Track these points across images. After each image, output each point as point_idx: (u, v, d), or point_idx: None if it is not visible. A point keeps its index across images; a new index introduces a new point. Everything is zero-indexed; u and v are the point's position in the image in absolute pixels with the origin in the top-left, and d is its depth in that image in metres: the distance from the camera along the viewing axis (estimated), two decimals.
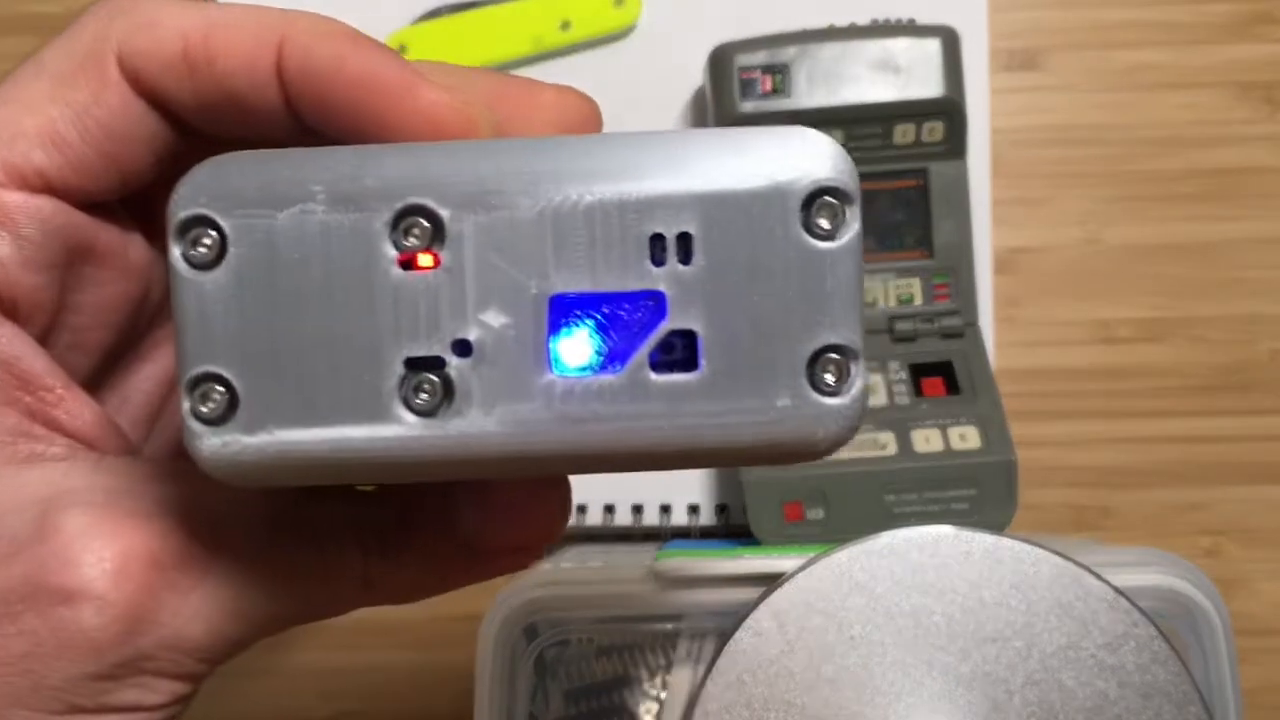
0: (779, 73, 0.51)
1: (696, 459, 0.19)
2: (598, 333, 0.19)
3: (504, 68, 0.55)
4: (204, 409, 0.18)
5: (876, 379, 0.50)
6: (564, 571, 0.43)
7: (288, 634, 0.54)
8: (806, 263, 0.18)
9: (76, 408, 0.22)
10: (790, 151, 0.18)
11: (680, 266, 0.18)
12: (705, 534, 0.54)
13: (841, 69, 0.50)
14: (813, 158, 0.18)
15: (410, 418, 0.18)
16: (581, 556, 0.48)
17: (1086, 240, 0.55)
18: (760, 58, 0.51)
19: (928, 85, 0.50)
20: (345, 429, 0.18)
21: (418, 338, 0.18)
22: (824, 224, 0.18)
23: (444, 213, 0.18)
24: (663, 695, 0.43)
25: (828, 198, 0.18)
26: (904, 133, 0.51)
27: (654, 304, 0.18)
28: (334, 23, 0.21)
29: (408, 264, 0.18)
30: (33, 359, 0.21)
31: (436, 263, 0.18)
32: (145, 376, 0.26)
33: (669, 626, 0.43)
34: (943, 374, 0.50)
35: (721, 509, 0.54)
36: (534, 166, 0.18)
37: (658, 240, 0.18)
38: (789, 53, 0.51)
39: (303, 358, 0.18)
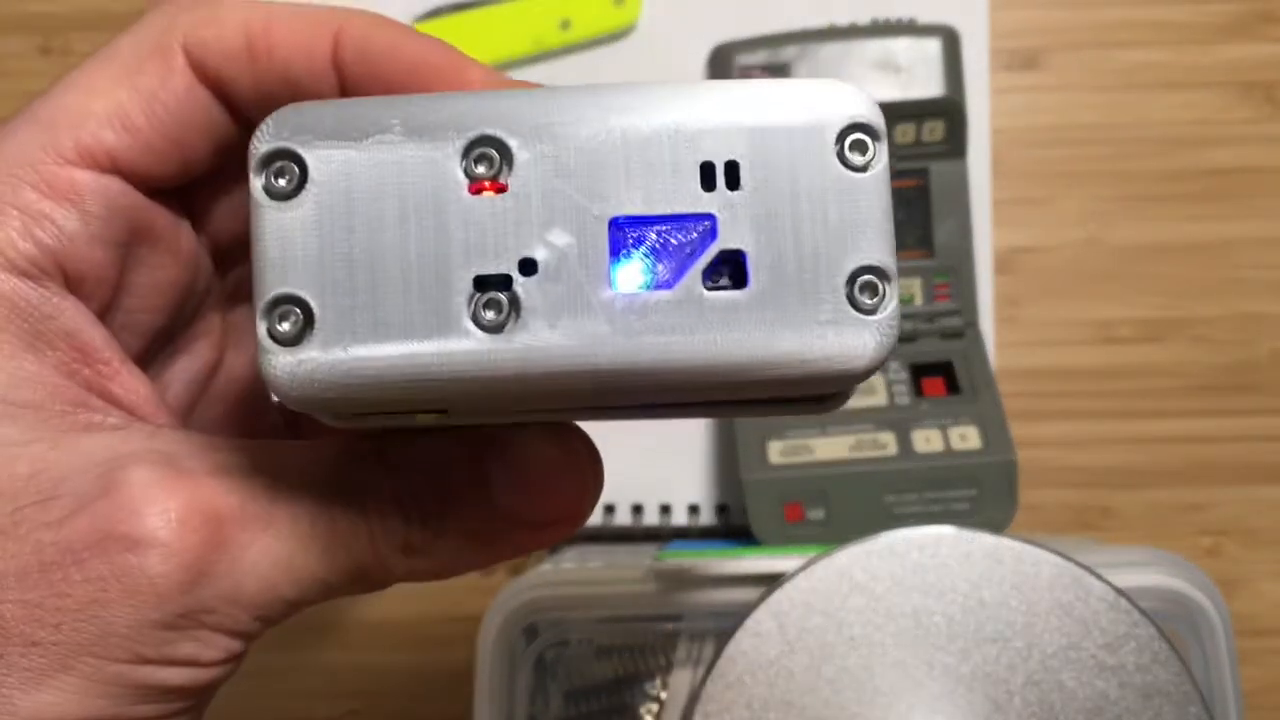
0: (779, 72, 0.51)
1: (744, 378, 0.20)
2: (654, 253, 0.20)
3: (504, 68, 0.55)
4: (280, 329, 0.19)
5: (877, 378, 0.50)
6: (564, 571, 0.43)
7: (288, 633, 0.54)
8: (842, 190, 0.20)
9: (131, 383, 0.23)
10: (827, 95, 0.20)
11: (729, 192, 0.20)
12: (705, 534, 0.54)
13: (842, 68, 0.50)
14: (846, 100, 0.20)
15: (479, 333, 0.19)
16: (581, 556, 0.48)
17: (1087, 240, 0.55)
18: (760, 57, 0.51)
19: (928, 85, 0.50)
20: (417, 345, 0.19)
21: (486, 257, 0.19)
22: (857, 157, 0.20)
23: (512, 142, 0.19)
24: (663, 696, 0.43)
25: (860, 133, 0.20)
26: (904, 132, 0.51)
27: (706, 226, 0.20)
28: (382, 15, 0.23)
29: (478, 189, 0.19)
30: (93, 333, 0.22)
31: (505, 188, 0.19)
32: (183, 368, 0.27)
33: (669, 627, 0.43)
34: (943, 374, 0.50)
35: (721, 509, 0.54)
36: (596, 104, 0.20)
37: (708, 168, 0.20)
38: (789, 52, 0.51)
39: (377, 279, 0.19)
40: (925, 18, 0.53)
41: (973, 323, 0.52)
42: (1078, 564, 0.37)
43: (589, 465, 0.24)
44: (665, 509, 0.53)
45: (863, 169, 0.20)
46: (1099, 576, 0.37)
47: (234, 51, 0.22)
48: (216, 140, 0.23)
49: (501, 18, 0.55)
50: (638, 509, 0.53)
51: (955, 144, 0.51)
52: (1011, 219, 0.55)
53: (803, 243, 0.20)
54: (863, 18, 0.53)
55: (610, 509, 0.53)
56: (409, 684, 0.54)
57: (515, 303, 0.19)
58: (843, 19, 0.53)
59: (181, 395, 0.27)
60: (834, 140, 0.20)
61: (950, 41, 0.51)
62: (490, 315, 0.19)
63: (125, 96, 0.22)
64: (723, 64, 0.51)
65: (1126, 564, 0.40)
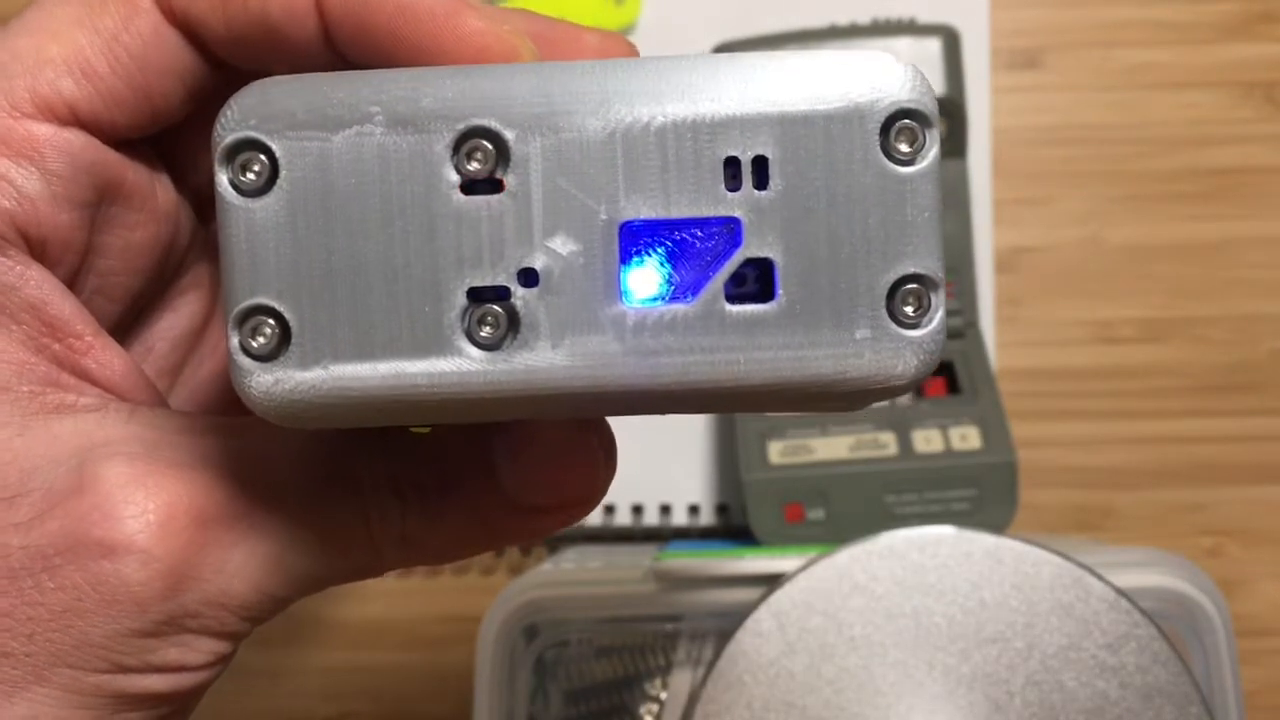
0: None
1: (770, 397, 0.18)
2: (670, 261, 0.18)
3: None
4: (254, 344, 0.17)
5: None
6: (564, 571, 0.43)
7: (288, 633, 0.54)
8: (886, 188, 0.17)
9: (106, 357, 0.21)
10: (869, 73, 0.18)
11: (756, 191, 0.17)
12: (705, 534, 0.53)
13: None
14: (891, 79, 0.18)
15: (473, 351, 0.17)
16: (581, 556, 0.48)
17: (1087, 240, 0.55)
18: None
19: None
20: (404, 363, 0.17)
21: (481, 266, 0.17)
22: (904, 148, 0.18)
23: (508, 134, 0.17)
24: (663, 696, 0.43)
25: (908, 120, 0.18)
26: None
27: (729, 231, 0.18)
28: None
29: (470, 189, 0.17)
30: (62, 304, 0.20)
31: (501, 187, 0.17)
32: (168, 326, 0.25)
33: (669, 627, 0.42)
34: (943, 374, 0.50)
35: (721, 509, 0.54)
36: (604, 86, 0.17)
37: (732, 164, 0.17)
38: None
39: (359, 289, 0.17)
40: (925, 17, 0.52)
41: (973, 323, 0.51)
42: (1078, 564, 0.37)
43: (601, 443, 0.22)
44: (665, 509, 0.53)
45: (910, 161, 0.17)
46: (1100, 577, 0.37)
47: None
48: (189, 85, 0.21)
49: None
50: (638, 509, 0.53)
51: (955, 144, 0.51)
52: (1011, 219, 0.55)
53: (839, 249, 0.17)
54: (863, 18, 0.53)
55: (610, 509, 0.53)
56: (409, 684, 0.54)
57: (514, 317, 0.17)
58: (843, 19, 0.53)
59: (168, 355, 0.25)
60: (878, 130, 0.17)
61: (950, 41, 0.51)
62: (486, 332, 0.17)
63: (85, 40, 0.20)
64: None
65: (1127, 564, 0.40)
